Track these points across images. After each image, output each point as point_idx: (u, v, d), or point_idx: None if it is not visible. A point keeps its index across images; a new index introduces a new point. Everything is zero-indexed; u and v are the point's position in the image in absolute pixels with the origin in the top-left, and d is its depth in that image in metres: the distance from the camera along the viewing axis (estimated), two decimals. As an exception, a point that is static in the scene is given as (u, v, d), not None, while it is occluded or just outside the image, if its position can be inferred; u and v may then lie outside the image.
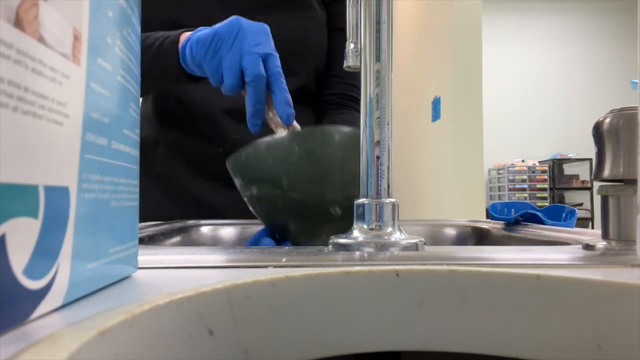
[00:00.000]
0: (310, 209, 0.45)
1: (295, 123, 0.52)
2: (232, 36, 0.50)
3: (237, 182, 0.47)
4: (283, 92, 0.51)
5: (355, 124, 0.84)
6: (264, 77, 0.50)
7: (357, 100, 0.84)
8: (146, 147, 0.79)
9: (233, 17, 0.52)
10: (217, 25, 0.52)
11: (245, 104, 0.51)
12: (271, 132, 0.52)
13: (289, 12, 0.78)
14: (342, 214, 0.46)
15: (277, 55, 0.52)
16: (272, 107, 0.52)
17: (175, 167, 0.79)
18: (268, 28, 0.53)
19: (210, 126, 0.77)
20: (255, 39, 0.51)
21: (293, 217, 0.46)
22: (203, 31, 0.53)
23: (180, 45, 0.58)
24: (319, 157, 0.45)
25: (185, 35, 0.58)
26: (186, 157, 0.79)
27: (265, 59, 0.51)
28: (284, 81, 0.51)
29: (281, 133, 0.51)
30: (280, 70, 0.51)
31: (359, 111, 0.92)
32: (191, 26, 0.61)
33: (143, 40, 0.61)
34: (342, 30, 0.83)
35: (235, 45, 0.50)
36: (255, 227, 0.66)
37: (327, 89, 0.85)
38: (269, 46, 0.52)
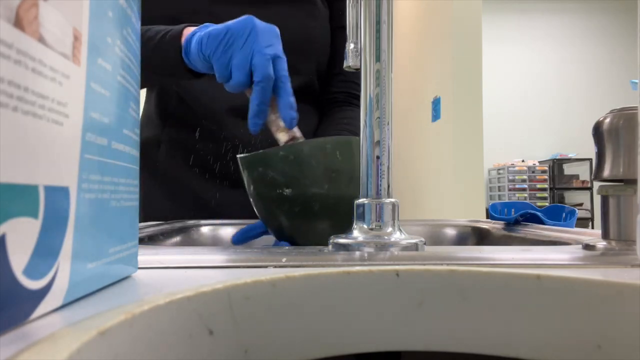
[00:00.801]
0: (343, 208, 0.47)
1: (296, 128, 0.52)
2: (244, 34, 0.51)
3: (269, 176, 0.46)
4: (289, 96, 0.51)
5: (358, 120, 0.84)
6: (273, 78, 0.50)
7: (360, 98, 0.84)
8: (148, 147, 0.79)
9: (246, 16, 0.53)
10: (230, 22, 0.53)
11: (249, 103, 0.51)
12: (269, 132, 0.53)
13: (291, 9, 0.78)
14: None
15: (285, 58, 0.53)
16: (275, 110, 0.52)
17: (177, 166, 0.79)
18: (278, 30, 0.54)
19: (213, 125, 0.76)
20: (266, 40, 0.51)
21: (330, 215, 0.47)
22: (215, 26, 0.54)
23: (184, 39, 0.58)
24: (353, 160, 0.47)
25: (189, 30, 0.58)
26: (188, 156, 0.79)
27: (274, 61, 0.51)
28: (290, 85, 0.52)
29: (281, 137, 0.51)
30: (287, 74, 0.52)
31: None
32: (191, 21, 0.61)
33: (143, 33, 0.60)
34: (345, 28, 0.83)
35: (247, 44, 0.51)
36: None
37: (332, 87, 0.85)
38: (279, 49, 0.53)
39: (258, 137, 0.53)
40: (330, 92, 0.85)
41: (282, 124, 0.51)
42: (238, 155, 0.49)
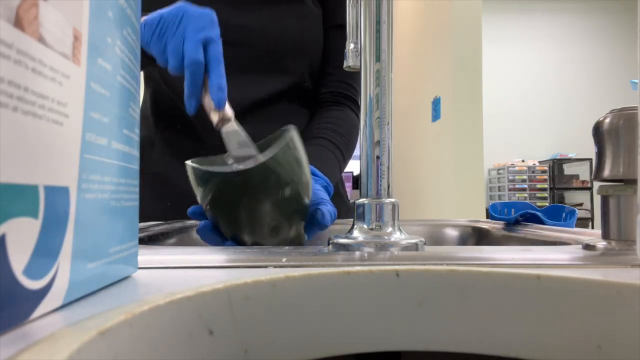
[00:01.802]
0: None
1: (227, 109, 0.53)
2: (176, 21, 0.52)
3: (282, 181, 0.45)
4: (218, 78, 0.52)
5: (346, 120, 0.83)
6: (201, 62, 0.51)
7: (351, 99, 0.83)
8: (142, 147, 0.79)
9: (179, 3, 0.54)
10: (164, 10, 0.54)
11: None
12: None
13: (283, 10, 0.78)
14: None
15: (219, 41, 0.53)
16: (208, 92, 0.53)
17: (171, 167, 0.79)
18: (215, 15, 0.54)
19: (205, 126, 0.76)
20: (198, 24, 0.52)
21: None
22: (151, 15, 0.55)
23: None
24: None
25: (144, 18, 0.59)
26: (181, 157, 0.79)
27: (206, 44, 0.52)
28: (222, 67, 0.53)
29: (213, 117, 0.52)
30: (220, 57, 0.53)
31: (352, 109, 0.89)
32: None
33: None
34: (338, 27, 0.82)
35: (179, 30, 0.52)
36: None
37: (322, 87, 0.84)
38: (212, 32, 0.53)
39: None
40: (321, 92, 0.85)
41: (213, 104, 0.53)
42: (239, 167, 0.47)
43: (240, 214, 0.46)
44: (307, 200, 0.48)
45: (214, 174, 0.45)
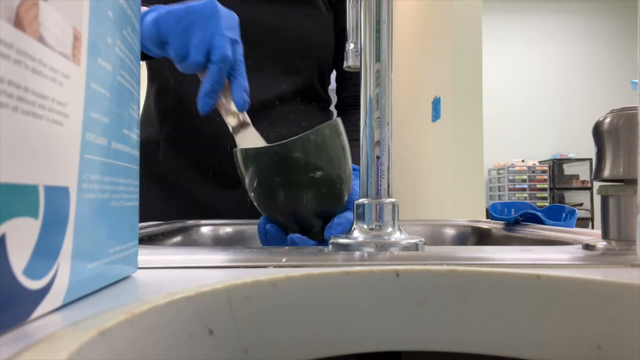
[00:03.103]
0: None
1: (244, 113, 0.52)
2: (207, 15, 0.51)
3: (302, 161, 0.47)
4: (244, 79, 0.51)
5: None
6: (231, 60, 0.50)
7: None
8: (146, 147, 0.79)
9: None
10: (192, 3, 0.53)
11: (201, 83, 0.51)
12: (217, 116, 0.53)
13: (291, 8, 0.79)
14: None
15: (241, 44, 0.53)
16: (226, 93, 0.52)
17: (175, 167, 0.79)
18: (237, 18, 0.54)
19: (210, 126, 0.76)
20: (227, 23, 0.51)
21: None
22: (174, 5, 0.53)
23: None
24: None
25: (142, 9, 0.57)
26: (186, 157, 0.79)
27: (232, 45, 0.51)
28: (245, 70, 0.52)
29: (231, 121, 0.51)
30: (243, 60, 0.52)
31: None
32: None
33: None
34: None
35: (209, 25, 0.50)
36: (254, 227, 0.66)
37: (343, 92, 0.87)
38: (237, 33, 0.53)
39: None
40: (342, 97, 0.87)
41: (233, 107, 0.51)
42: (256, 147, 0.48)
43: (280, 190, 0.46)
44: (344, 192, 0.48)
45: (260, 150, 0.46)
